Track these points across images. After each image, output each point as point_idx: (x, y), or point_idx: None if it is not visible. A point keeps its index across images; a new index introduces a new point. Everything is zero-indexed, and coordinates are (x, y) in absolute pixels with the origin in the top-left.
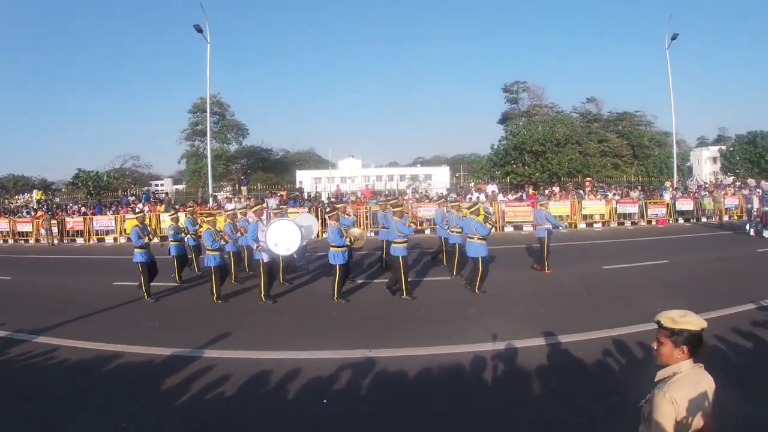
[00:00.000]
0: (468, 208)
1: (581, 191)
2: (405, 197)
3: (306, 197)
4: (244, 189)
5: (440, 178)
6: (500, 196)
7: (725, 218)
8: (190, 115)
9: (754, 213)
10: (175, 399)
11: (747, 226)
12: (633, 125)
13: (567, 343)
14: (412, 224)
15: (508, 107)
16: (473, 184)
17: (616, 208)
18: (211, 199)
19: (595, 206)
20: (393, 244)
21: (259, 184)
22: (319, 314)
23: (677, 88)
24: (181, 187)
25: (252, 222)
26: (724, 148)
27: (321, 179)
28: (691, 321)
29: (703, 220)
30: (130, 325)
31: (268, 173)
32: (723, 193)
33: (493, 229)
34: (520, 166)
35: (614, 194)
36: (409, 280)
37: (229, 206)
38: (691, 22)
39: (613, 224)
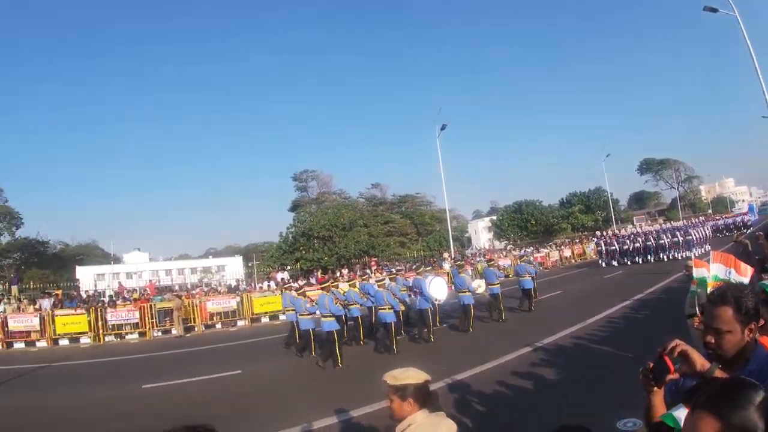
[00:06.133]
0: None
1: (368, 270)
2: (195, 291)
3: (84, 296)
4: (14, 288)
5: (233, 269)
6: (291, 283)
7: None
8: None
9: (603, 253)
10: None
11: (600, 261)
12: (415, 206)
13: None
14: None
15: (298, 195)
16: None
17: None
18: None
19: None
20: (323, 319)
21: (32, 283)
22: None
23: (454, 170)
24: None
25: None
26: (495, 218)
27: (104, 275)
28: (411, 376)
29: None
30: None
31: (44, 269)
32: (497, 256)
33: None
34: (309, 251)
35: (398, 269)
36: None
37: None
38: (460, 113)
39: None
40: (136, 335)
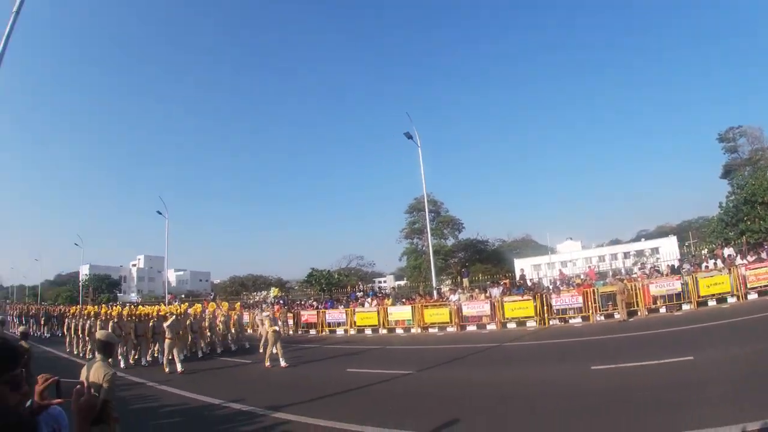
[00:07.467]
0: None
1: None
2: (636, 274)
3: (529, 284)
4: (465, 281)
5: (668, 250)
6: (738, 259)
7: None
8: (407, 215)
9: None
10: None
11: None
12: None
13: None
14: None
15: (728, 158)
16: (706, 250)
17: None
18: (435, 292)
19: None
20: None
21: (480, 275)
22: None
23: None
24: (402, 282)
25: None
26: None
27: (540, 265)
28: None
29: None
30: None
31: (485, 264)
32: None
33: (735, 299)
34: (756, 221)
35: None
36: None
37: (453, 297)
38: None
39: None
40: (579, 319)
